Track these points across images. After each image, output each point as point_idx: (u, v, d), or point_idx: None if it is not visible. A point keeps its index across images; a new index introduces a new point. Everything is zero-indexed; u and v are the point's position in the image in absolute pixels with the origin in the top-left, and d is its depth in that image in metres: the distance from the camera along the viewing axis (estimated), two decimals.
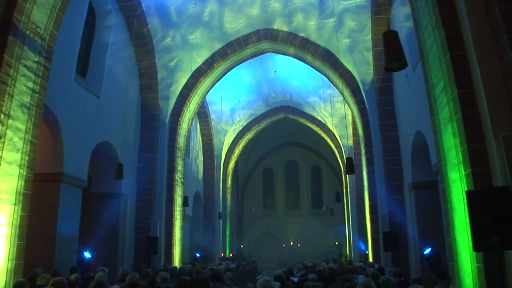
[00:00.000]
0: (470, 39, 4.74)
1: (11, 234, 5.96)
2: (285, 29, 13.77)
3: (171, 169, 13.99)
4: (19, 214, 6.13)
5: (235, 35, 14.04)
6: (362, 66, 12.83)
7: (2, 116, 5.93)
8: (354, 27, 12.63)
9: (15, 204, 6.07)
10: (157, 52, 13.64)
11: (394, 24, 10.94)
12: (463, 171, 4.73)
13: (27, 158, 6.38)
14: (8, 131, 6.02)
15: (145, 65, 13.60)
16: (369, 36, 12.28)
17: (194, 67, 14.08)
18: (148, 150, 13.49)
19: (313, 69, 14.78)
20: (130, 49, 13.11)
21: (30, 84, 6.55)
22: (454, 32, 4.98)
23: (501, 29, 4.41)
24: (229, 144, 21.84)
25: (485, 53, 4.62)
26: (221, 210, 20.77)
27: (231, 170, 22.90)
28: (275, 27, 13.83)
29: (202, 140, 20.60)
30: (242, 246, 28.74)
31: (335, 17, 12.64)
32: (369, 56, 12.65)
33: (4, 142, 5.95)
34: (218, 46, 14.18)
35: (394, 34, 4.27)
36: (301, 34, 13.62)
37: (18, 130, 6.23)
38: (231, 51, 14.18)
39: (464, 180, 4.71)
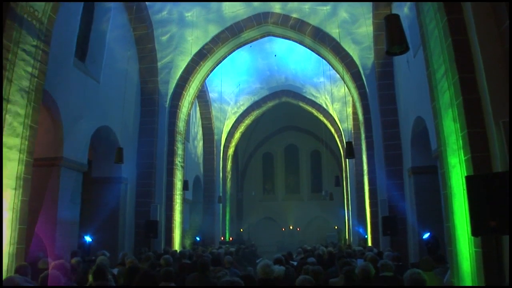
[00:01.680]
0: (473, 24, 4.69)
1: (12, 218, 5.98)
2: (285, 13, 13.63)
3: (171, 153, 14.00)
4: (20, 198, 6.15)
5: (232, 19, 13.89)
6: (364, 51, 12.76)
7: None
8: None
9: (15, 189, 6.08)
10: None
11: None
12: (463, 156, 4.74)
13: (26, 143, 6.37)
14: (7, 116, 5.99)
15: (145, 49, 13.48)
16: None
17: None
18: (148, 134, 13.48)
19: (313, 53, 14.69)
20: (130, 33, 12.97)
21: (29, 69, 6.49)
22: (456, 16, 4.92)
23: (504, 13, 4.36)
24: (229, 128, 21.83)
25: (487, 38, 4.57)
26: (221, 194, 20.84)
27: (231, 154, 22.93)
28: (276, 11, 13.70)
29: (202, 124, 20.55)
30: (241, 230, 28.87)
31: (331, 5, 12.59)
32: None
33: (3, 127, 5.93)
34: (213, 28, 14.03)
35: (396, 17, 4.23)
36: (301, 18, 13.48)
37: (17, 114, 6.21)
38: (231, 35, 14.07)
39: (464, 165, 4.71)
